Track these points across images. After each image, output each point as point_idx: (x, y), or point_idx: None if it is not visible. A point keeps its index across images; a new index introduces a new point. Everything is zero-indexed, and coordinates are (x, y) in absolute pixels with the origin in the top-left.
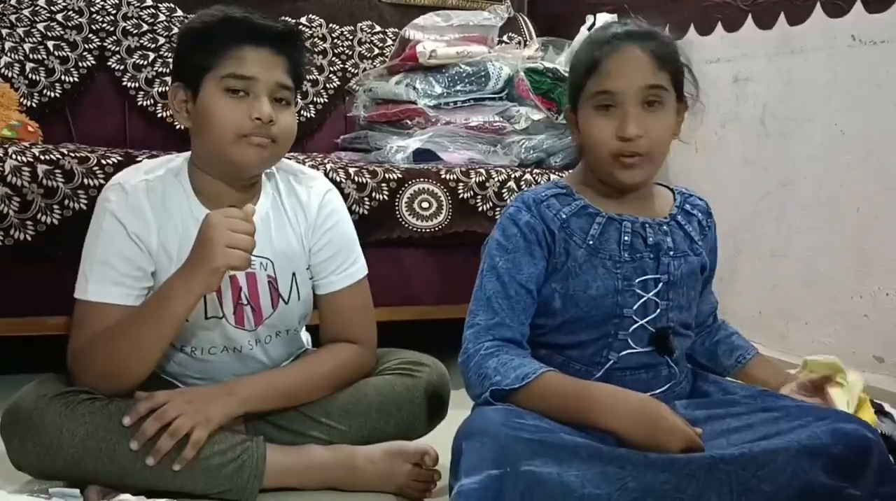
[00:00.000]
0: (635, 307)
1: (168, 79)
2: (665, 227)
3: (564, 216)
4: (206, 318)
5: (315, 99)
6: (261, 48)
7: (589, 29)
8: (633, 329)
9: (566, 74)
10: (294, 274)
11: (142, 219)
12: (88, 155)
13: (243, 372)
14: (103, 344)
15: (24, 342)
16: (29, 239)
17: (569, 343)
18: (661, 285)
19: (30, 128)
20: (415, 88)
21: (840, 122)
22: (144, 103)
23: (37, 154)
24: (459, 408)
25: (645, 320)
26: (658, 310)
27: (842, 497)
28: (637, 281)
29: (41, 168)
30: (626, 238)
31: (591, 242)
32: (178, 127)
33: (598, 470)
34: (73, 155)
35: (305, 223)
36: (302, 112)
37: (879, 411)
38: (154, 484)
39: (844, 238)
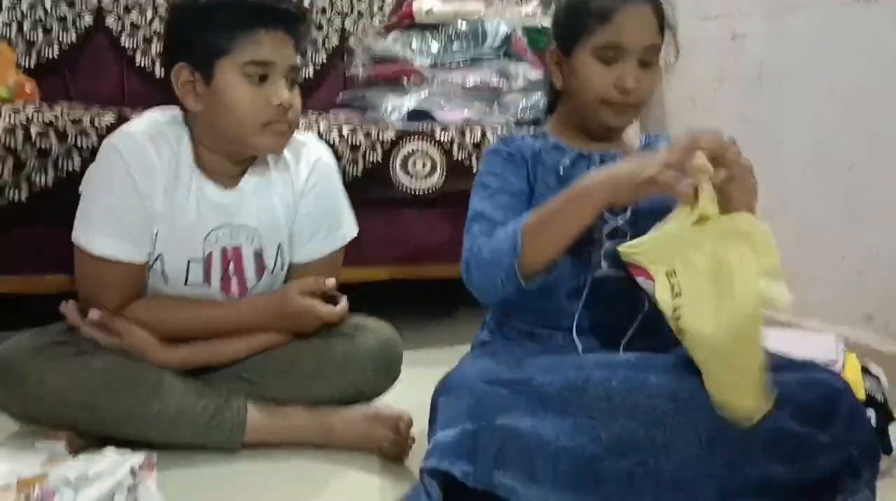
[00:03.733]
0: (605, 230)
1: None
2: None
3: (537, 148)
4: (185, 284)
5: (314, 57)
6: (275, 31)
7: None
8: (605, 250)
9: None
10: (280, 245)
11: (151, 179)
12: (81, 116)
13: None
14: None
15: (21, 299)
16: (24, 199)
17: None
18: (629, 212)
19: (27, 89)
20: (411, 47)
21: (833, 81)
22: (142, 62)
23: (30, 115)
24: (420, 366)
25: (615, 241)
26: (628, 236)
27: (811, 443)
28: None
29: (34, 129)
30: (593, 168)
31: (561, 173)
32: None
33: (571, 422)
34: (66, 115)
35: (292, 191)
36: (302, 70)
37: (864, 370)
38: (140, 436)
39: (836, 197)
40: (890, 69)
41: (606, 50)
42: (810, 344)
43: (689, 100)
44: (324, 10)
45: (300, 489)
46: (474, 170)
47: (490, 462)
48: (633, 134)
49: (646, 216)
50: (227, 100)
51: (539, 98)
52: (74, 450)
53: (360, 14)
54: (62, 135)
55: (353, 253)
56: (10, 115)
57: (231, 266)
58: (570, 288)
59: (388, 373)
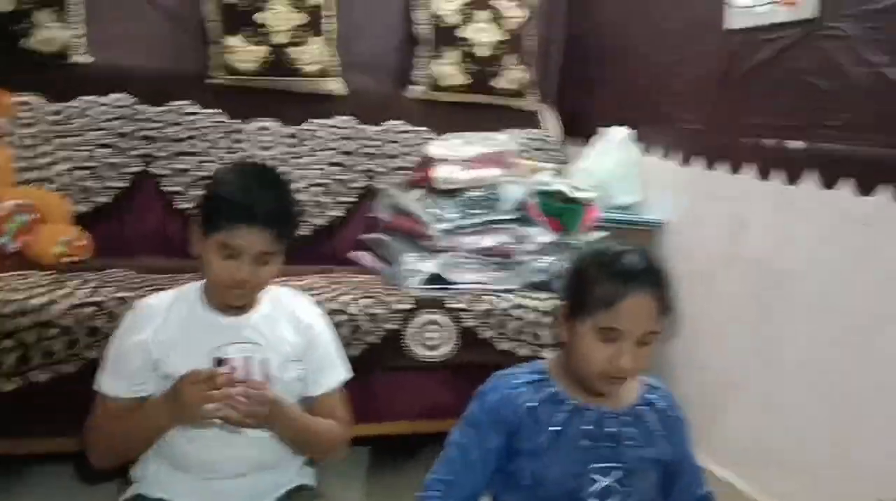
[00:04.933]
0: (591, 490)
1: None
2: (627, 418)
3: (535, 404)
4: None
5: (342, 198)
6: (252, 227)
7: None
8: None
9: (573, 196)
10: (282, 363)
11: (146, 330)
12: (127, 295)
13: (224, 451)
14: (109, 434)
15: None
16: (73, 370)
17: None
18: (619, 472)
19: (80, 243)
20: (430, 212)
21: (829, 292)
22: (184, 207)
23: (82, 298)
24: None
25: None
26: (618, 496)
27: None
28: (594, 466)
29: (86, 311)
30: (588, 427)
31: (556, 428)
32: None
33: None
34: (114, 297)
35: (297, 332)
36: (328, 211)
37: None
38: None
39: (830, 413)
40: (882, 293)
41: (607, 331)
42: None
43: (693, 274)
44: (350, 153)
45: None
46: (481, 337)
47: None
48: (629, 384)
49: (635, 474)
50: (205, 261)
51: (550, 261)
52: None
53: (388, 156)
54: (111, 316)
55: (368, 410)
56: (63, 299)
57: (238, 374)
58: None
59: None
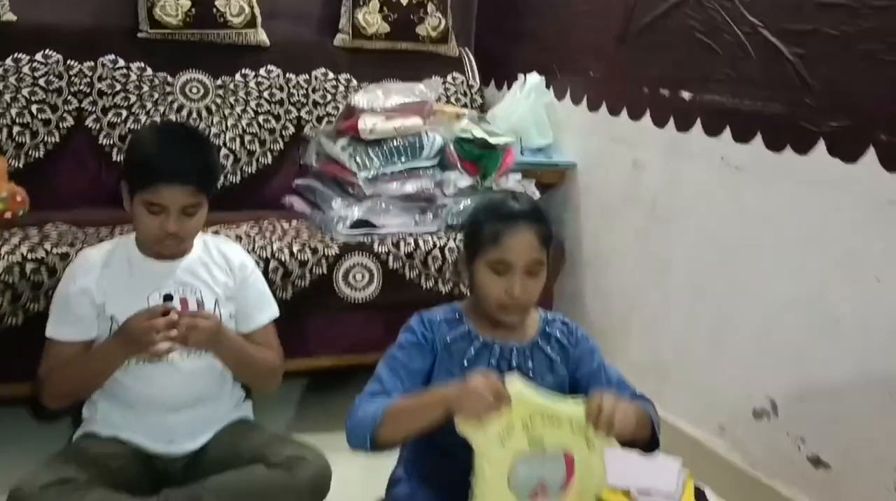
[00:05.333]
0: None
1: None
2: (528, 352)
3: (449, 340)
4: None
5: (272, 146)
6: (172, 185)
7: (520, 87)
8: None
9: (491, 142)
10: (216, 301)
11: (88, 278)
12: (68, 250)
13: (167, 386)
14: (60, 378)
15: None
16: (19, 323)
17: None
18: None
19: (18, 198)
20: (356, 161)
21: (707, 225)
22: (119, 159)
23: (25, 254)
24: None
25: None
26: None
27: None
28: None
29: (29, 267)
30: (493, 361)
31: (465, 364)
32: None
33: None
34: (55, 253)
35: (230, 272)
36: (259, 159)
37: (699, 499)
38: None
39: (709, 319)
40: (750, 228)
41: (497, 264)
42: (653, 471)
43: (599, 211)
44: (281, 102)
45: None
46: (407, 279)
47: None
48: (532, 322)
49: None
50: (135, 220)
51: (469, 204)
52: None
53: (315, 103)
54: (52, 271)
55: (300, 347)
56: (7, 256)
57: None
58: None
59: (320, 497)
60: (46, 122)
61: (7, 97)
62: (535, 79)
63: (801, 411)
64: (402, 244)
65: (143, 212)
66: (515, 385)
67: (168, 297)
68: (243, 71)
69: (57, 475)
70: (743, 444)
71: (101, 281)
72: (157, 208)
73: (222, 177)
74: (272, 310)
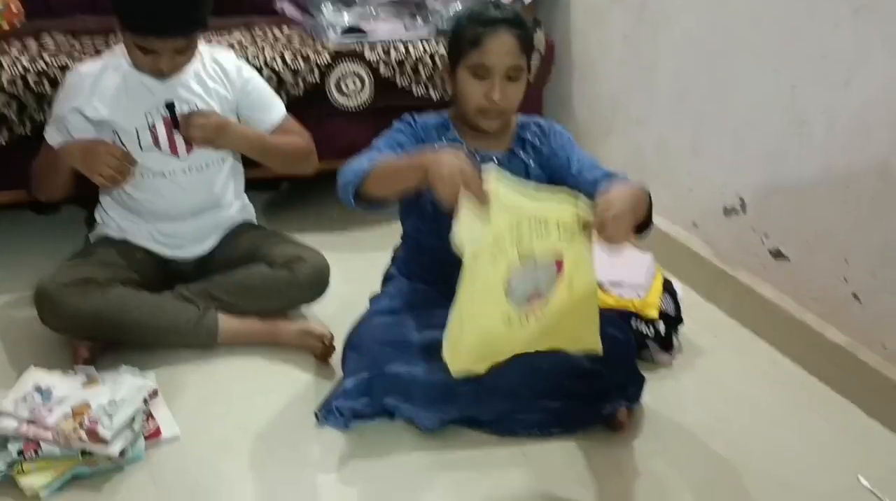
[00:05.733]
0: None
1: None
2: (505, 157)
3: (436, 147)
4: (141, 150)
5: None
6: (163, 37)
7: None
8: None
9: None
10: (221, 114)
11: (80, 97)
12: (67, 61)
13: (170, 197)
14: (34, 170)
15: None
16: (28, 133)
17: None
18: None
19: (13, 9)
20: None
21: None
22: None
23: (26, 65)
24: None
25: None
26: None
27: (594, 371)
28: None
29: (31, 77)
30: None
31: None
32: None
33: (435, 366)
34: (55, 65)
35: (226, 82)
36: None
37: (667, 288)
38: (143, 340)
39: (690, 121)
40: (733, 31)
41: (477, 68)
42: (625, 265)
43: (588, 14)
44: None
45: (258, 379)
46: (398, 86)
47: (381, 394)
48: (512, 131)
49: None
50: (132, 58)
51: (459, 8)
52: (93, 356)
53: None
54: (53, 81)
55: None
56: (10, 68)
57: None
58: None
59: (320, 292)
60: None
61: None
62: None
63: (768, 208)
64: (392, 51)
65: (138, 53)
66: (492, 174)
67: (170, 105)
68: None
69: (78, 274)
70: (712, 239)
71: (92, 100)
72: (150, 51)
73: None
74: (280, 107)
